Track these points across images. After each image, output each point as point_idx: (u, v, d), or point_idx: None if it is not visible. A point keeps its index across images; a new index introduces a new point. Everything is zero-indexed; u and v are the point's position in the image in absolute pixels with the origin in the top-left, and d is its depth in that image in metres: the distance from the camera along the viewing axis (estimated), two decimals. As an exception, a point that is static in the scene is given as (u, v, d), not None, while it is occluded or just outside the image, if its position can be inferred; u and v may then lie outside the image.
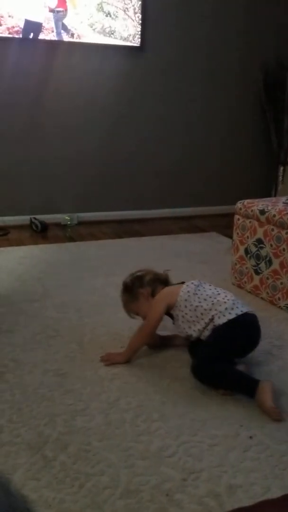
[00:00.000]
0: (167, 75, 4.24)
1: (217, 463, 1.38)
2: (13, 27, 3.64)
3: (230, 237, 2.89)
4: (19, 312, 2.33)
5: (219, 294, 1.86)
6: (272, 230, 2.43)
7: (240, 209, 2.66)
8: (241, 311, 1.80)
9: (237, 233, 2.69)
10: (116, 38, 3.91)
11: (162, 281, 1.98)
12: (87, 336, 2.11)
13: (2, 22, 3.60)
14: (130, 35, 3.94)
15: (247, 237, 2.61)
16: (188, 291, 1.87)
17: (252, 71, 4.47)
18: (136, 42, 3.98)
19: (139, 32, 3.96)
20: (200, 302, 1.83)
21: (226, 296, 1.85)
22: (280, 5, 4.43)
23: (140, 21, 3.94)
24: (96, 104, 4.08)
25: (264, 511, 0.69)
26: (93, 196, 4.23)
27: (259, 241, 2.52)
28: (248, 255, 2.61)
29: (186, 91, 4.34)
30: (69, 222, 3.78)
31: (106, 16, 3.83)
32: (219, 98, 4.47)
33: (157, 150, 4.37)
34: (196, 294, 1.86)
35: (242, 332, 1.79)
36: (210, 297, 1.84)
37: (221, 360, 1.73)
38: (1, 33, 3.61)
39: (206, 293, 1.86)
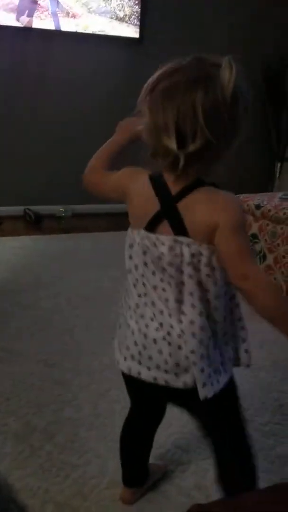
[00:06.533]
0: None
1: (204, 455, 1.37)
2: (8, 4, 3.61)
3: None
4: (12, 302, 2.31)
5: None
6: (267, 225, 2.42)
7: (236, 203, 2.65)
8: None
9: (232, 228, 2.68)
10: (112, 18, 3.89)
11: None
12: (78, 328, 2.10)
13: (-3, -1, 3.58)
14: (126, 15, 3.92)
15: (242, 231, 2.60)
16: None
17: (252, 64, 4.44)
18: (132, 22, 3.95)
19: (135, 13, 3.93)
20: None
21: None
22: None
23: (137, 1, 3.90)
24: (94, 96, 4.05)
25: (246, 502, 0.69)
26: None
27: (254, 236, 2.51)
28: (243, 250, 2.60)
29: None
30: (63, 214, 3.76)
31: None
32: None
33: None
34: None
35: None
36: None
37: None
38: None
39: None
